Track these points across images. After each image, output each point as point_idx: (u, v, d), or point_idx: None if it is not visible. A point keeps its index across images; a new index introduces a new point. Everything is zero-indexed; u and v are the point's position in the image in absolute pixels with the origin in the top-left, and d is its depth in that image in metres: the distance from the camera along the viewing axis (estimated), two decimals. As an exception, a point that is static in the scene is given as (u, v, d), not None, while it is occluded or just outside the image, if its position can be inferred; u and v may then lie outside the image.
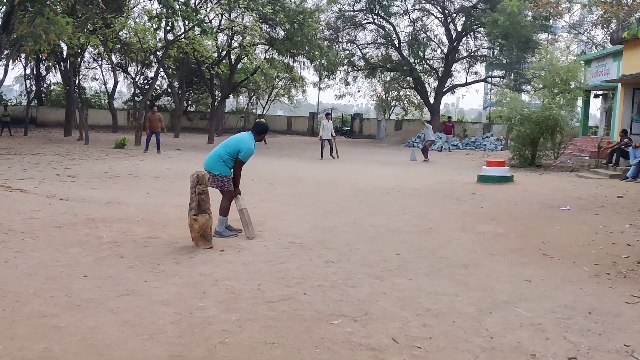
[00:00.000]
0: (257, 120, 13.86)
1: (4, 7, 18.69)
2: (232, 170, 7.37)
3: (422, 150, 22.60)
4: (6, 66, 23.85)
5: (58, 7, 21.18)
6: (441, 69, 39.43)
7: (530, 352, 3.88)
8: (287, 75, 41.98)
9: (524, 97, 31.47)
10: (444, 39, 39.37)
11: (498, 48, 35.59)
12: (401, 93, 48.19)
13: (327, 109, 51.37)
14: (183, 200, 8.64)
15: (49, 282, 5.11)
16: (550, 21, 34.72)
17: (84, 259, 5.91)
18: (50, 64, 35.71)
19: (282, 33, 29.41)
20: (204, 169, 7.39)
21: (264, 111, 47.12)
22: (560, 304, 4.95)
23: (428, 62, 40.17)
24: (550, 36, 36.80)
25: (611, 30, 29.87)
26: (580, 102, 24.14)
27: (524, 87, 33.64)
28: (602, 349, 3.98)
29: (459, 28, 38.08)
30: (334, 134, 22.63)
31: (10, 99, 47.56)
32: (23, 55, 28.78)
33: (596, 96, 27.41)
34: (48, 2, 18.89)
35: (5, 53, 18.83)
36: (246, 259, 6.18)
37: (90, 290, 4.92)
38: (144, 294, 4.87)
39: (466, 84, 41.49)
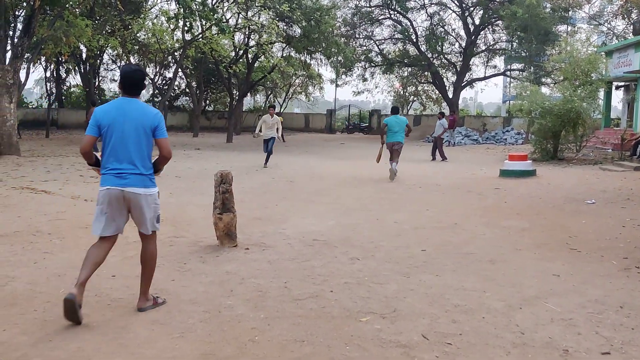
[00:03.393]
0: (393, 105, 16.13)
1: (25, 11, 18.93)
2: None
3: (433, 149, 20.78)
4: (27, 69, 24.15)
5: (77, 9, 21.40)
6: (459, 63, 39.17)
7: (562, 348, 3.84)
8: (304, 73, 41.97)
9: (544, 89, 31.12)
10: (462, 32, 39.19)
11: (517, 41, 35.27)
12: (419, 88, 47.97)
13: (343, 105, 51.26)
14: (206, 200, 8.69)
15: (78, 282, 5.15)
16: (570, 12, 34.34)
17: (111, 259, 5.93)
18: (70, 66, 36.10)
19: (298, 31, 29.40)
20: (397, 141, 13.81)
21: (282, 109, 47.17)
22: (590, 298, 4.89)
23: (446, 56, 39.95)
24: (569, 28, 36.38)
25: (633, 21, 29.48)
26: (601, 94, 23.81)
27: (544, 79, 33.28)
28: (636, 344, 3.92)
29: (477, 21, 37.81)
30: (280, 133, 17.50)
31: (31, 102, 48.18)
32: (43, 58, 29.09)
33: (618, 88, 27.06)
34: (67, 5, 19.09)
35: (26, 56, 19.06)
36: (271, 257, 6.19)
37: (119, 290, 4.97)
38: (172, 292, 4.90)
39: (485, 77, 41.23)
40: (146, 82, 4.81)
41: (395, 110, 14.62)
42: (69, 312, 4.06)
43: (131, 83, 4.45)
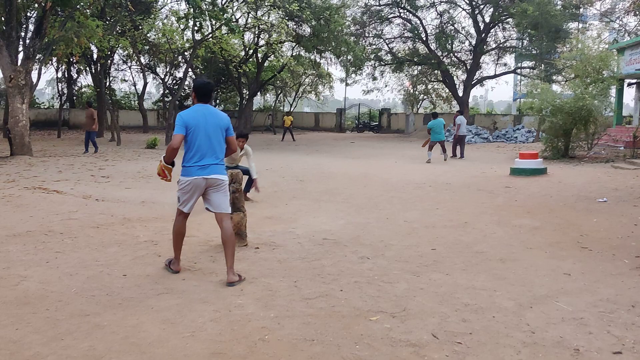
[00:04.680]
0: (433, 111, 20.78)
1: (36, 12, 19.05)
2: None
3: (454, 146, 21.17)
4: (39, 70, 24.32)
5: (88, 10, 21.52)
6: (469, 61, 39.00)
7: (573, 347, 3.82)
8: (314, 72, 41.98)
9: (555, 87, 30.92)
10: (472, 30, 38.98)
11: (527, 38, 35.01)
12: (429, 87, 47.84)
13: (353, 104, 51.23)
14: (216, 199, 8.69)
15: (90, 281, 5.19)
16: (581, 9, 34.06)
17: (123, 258, 6.00)
18: (81, 66, 36.30)
19: (308, 30, 29.44)
20: (441, 140, 18.96)
21: (292, 108, 47.21)
22: (601, 297, 4.87)
23: (456, 54, 39.76)
24: (581, 25, 36.10)
25: (645, 17, 29.18)
26: (613, 91, 23.61)
27: (554, 77, 33.06)
28: (648, 343, 3.90)
29: (487, 19, 37.61)
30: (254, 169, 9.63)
31: (43, 102, 48.54)
32: (55, 59, 29.27)
33: (630, 85, 26.82)
34: (78, 6, 19.19)
35: (38, 57, 19.17)
36: (281, 256, 6.21)
37: (130, 289, 5.00)
38: (182, 292, 4.92)
39: (495, 75, 40.99)
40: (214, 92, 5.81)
41: (435, 115, 19.64)
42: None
43: (204, 93, 5.44)
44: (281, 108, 49.05)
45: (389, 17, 39.32)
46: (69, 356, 3.64)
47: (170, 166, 5.51)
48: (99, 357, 3.63)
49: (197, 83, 5.53)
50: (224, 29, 25.68)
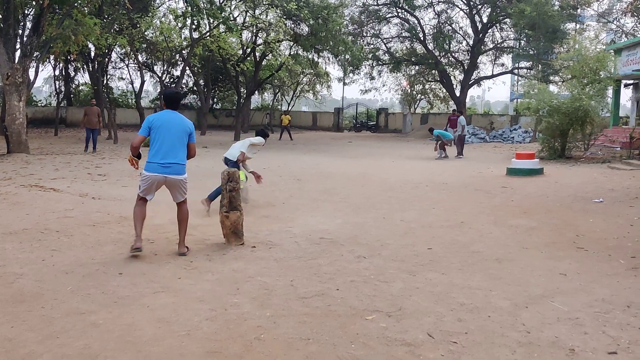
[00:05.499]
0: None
1: (34, 9, 19.00)
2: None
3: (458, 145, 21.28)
4: (36, 68, 24.26)
5: (85, 8, 21.45)
6: (467, 61, 39.02)
7: (568, 347, 3.83)
8: (312, 71, 41.93)
9: (552, 88, 30.94)
10: (470, 30, 38.96)
11: (525, 39, 35.06)
12: (426, 86, 47.86)
13: (351, 103, 51.22)
14: (213, 198, 8.69)
15: (86, 279, 5.19)
16: (578, 10, 34.11)
17: (119, 257, 5.99)
18: (78, 64, 36.20)
19: (306, 29, 29.36)
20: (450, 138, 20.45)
21: (289, 107, 47.18)
22: (597, 297, 4.88)
23: (453, 54, 39.78)
24: (578, 26, 36.14)
25: (642, 18, 29.21)
26: (610, 92, 23.65)
27: (552, 78, 33.10)
28: (643, 344, 3.90)
29: (485, 19, 37.62)
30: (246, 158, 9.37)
31: (40, 100, 48.44)
32: (52, 56, 29.20)
33: (626, 86, 26.87)
34: (76, 4, 19.14)
35: (35, 55, 19.13)
36: (278, 255, 6.21)
37: (126, 287, 4.99)
38: (178, 290, 4.92)
39: (492, 76, 41.01)
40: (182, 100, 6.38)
41: (432, 130, 21.63)
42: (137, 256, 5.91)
43: (173, 101, 6.35)
44: (279, 107, 48.99)
45: (387, 16, 39.33)
46: (64, 354, 3.63)
47: (136, 158, 6.35)
48: (95, 356, 3.62)
49: (167, 93, 6.49)
50: (222, 28, 25.63)
